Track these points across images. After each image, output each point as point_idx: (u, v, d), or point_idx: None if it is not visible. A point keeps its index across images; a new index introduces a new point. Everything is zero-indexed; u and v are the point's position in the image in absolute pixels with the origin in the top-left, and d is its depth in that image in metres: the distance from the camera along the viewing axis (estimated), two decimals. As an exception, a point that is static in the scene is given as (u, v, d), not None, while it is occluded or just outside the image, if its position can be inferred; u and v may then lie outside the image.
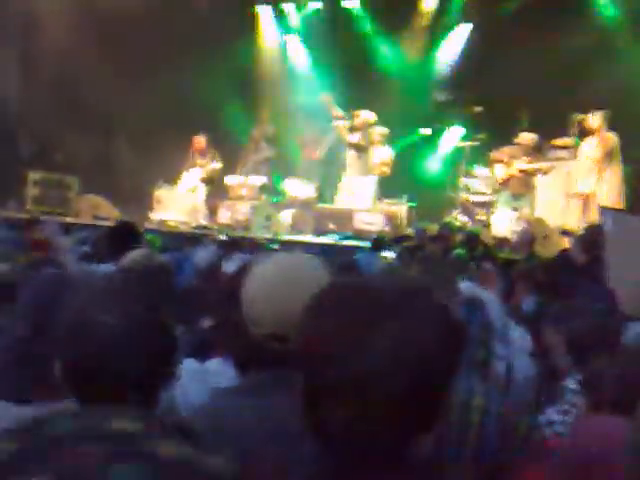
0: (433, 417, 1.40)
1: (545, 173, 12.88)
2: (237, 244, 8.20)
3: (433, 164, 16.49)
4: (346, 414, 1.37)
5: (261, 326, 2.07)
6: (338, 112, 14.65)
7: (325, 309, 1.45)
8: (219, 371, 2.54)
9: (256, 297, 2.09)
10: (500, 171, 13.16)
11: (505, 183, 13.11)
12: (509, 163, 13.01)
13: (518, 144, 13.10)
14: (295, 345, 1.51)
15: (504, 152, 13.24)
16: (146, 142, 15.43)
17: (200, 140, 15.53)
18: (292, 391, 1.95)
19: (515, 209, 12.77)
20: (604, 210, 7.37)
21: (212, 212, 15.28)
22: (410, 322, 1.39)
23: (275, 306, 2.06)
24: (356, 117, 14.19)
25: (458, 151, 15.04)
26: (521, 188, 12.99)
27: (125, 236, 5.34)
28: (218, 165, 15.41)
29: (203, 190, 15.36)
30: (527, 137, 13.11)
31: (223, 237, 8.96)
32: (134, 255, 4.33)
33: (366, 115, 14.20)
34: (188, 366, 2.64)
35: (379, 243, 9.52)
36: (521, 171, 12.95)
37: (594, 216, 11.42)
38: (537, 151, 13.11)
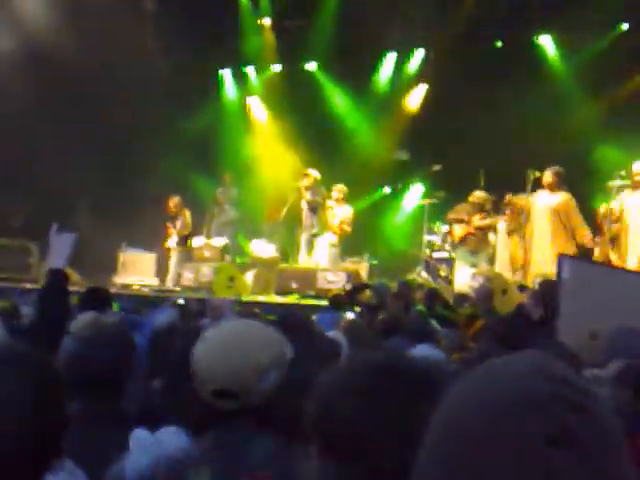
0: None
1: (494, 230, 13.07)
2: (197, 307, 8.21)
3: (395, 222, 16.67)
4: None
5: (207, 383, 2.11)
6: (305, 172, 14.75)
7: (362, 389, 1.41)
8: (171, 440, 2.54)
9: (204, 354, 2.15)
10: (458, 229, 13.33)
11: (462, 240, 13.27)
12: (467, 221, 13.18)
13: (471, 202, 13.30)
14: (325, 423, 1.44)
15: (459, 211, 13.42)
16: (109, 205, 15.46)
17: (173, 200, 15.56)
18: (243, 454, 1.99)
19: (473, 265, 12.91)
20: (562, 258, 7.41)
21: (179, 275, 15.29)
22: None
23: (221, 362, 2.11)
24: (306, 176, 14.33)
25: (419, 208, 15.22)
26: (478, 245, 13.15)
27: (94, 302, 5.37)
28: (184, 226, 15.46)
29: (175, 254, 15.39)
30: (480, 195, 13.32)
31: (181, 301, 8.96)
32: (84, 319, 4.33)
33: (314, 173, 14.36)
34: (138, 436, 2.64)
35: (337, 301, 9.58)
36: (477, 228, 13.12)
37: (549, 271, 11.58)
38: (487, 208, 13.32)
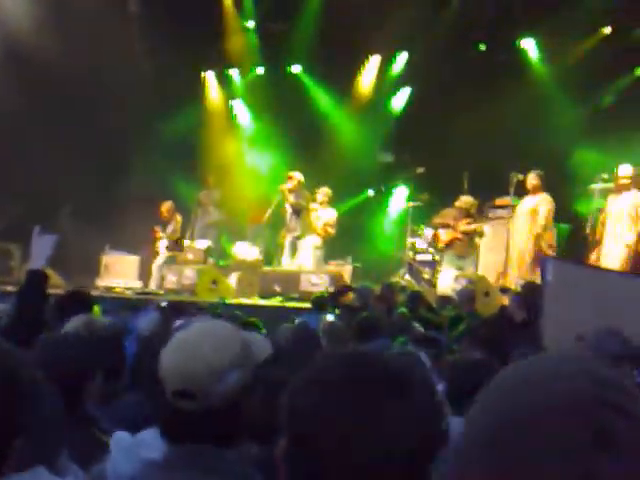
0: None
1: (480, 235, 13.10)
2: (180, 309, 8.17)
3: (378, 224, 16.70)
4: None
5: (168, 383, 2.11)
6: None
7: (330, 386, 1.40)
8: (151, 443, 2.53)
9: (165, 354, 2.15)
10: (443, 234, 13.36)
11: (449, 245, 13.30)
12: (453, 226, 13.21)
13: (458, 207, 13.34)
14: (298, 425, 1.42)
15: (445, 215, 13.46)
16: (93, 208, 15.40)
17: (165, 205, 15.51)
18: (221, 464, 1.97)
19: (460, 268, 12.93)
20: (545, 260, 7.43)
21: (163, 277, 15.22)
22: (414, 400, 1.39)
23: (180, 361, 2.11)
24: (290, 179, 14.33)
25: (403, 211, 15.24)
26: (464, 249, 13.17)
27: (76, 304, 5.34)
28: (173, 230, 15.42)
29: (163, 257, 15.32)
30: (466, 200, 13.35)
31: (164, 303, 8.92)
32: (77, 321, 4.32)
33: (298, 176, 14.35)
34: (119, 438, 2.63)
35: (319, 302, 9.58)
36: (463, 233, 13.15)
37: (532, 273, 11.63)
38: (475, 213, 13.36)
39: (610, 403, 0.98)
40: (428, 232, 14.22)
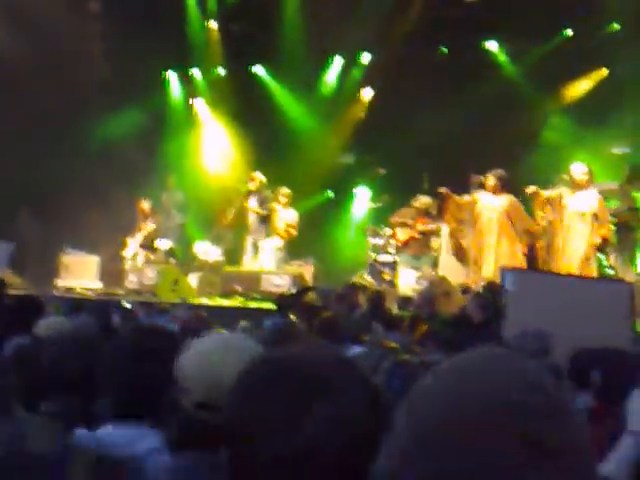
0: None
1: (438, 235, 13.17)
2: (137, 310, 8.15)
3: (340, 225, 16.73)
4: None
5: (190, 393, 2.11)
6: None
7: (255, 386, 1.43)
8: (112, 439, 2.53)
9: (188, 365, 2.15)
10: (401, 233, 13.42)
11: (405, 244, 13.37)
12: (411, 225, 13.28)
13: (415, 207, 13.42)
14: (224, 423, 1.46)
15: (403, 214, 13.53)
16: (52, 208, 15.26)
17: (146, 202, 15.43)
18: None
19: (416, 268, 13.01)
20: (505, 271, 7.49)
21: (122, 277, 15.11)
22: (341, 401, 1.38)
23: (206, 373, 2.12)
24: (252, 180, 14.34)
25: (364, 212, 15.29)
26: (420, 249, 13.26)
27: (28, 310, 5.34)
28: (152, 226, 15.33)
29: (142, 255, 15.21)
30: (423, 200, 13.44)
31: (128, 304, 8.88)
32: (49, 323, 4.33)
33: (260, 177, 14.37)
34: (79, 435, 2.62)
35: (282, 301, 9.58)
36: (420, 233, 13.22)
37: (493, 274, 11.70)
38: (433, 212, 13.45)
39: (536, 407, 0.98)
40: (387, 232, 14.29)
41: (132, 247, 15.27)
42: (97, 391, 3.13)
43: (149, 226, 15.33)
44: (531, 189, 11.75)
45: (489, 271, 11.84)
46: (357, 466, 1.36)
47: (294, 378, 1.40)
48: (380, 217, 14.56)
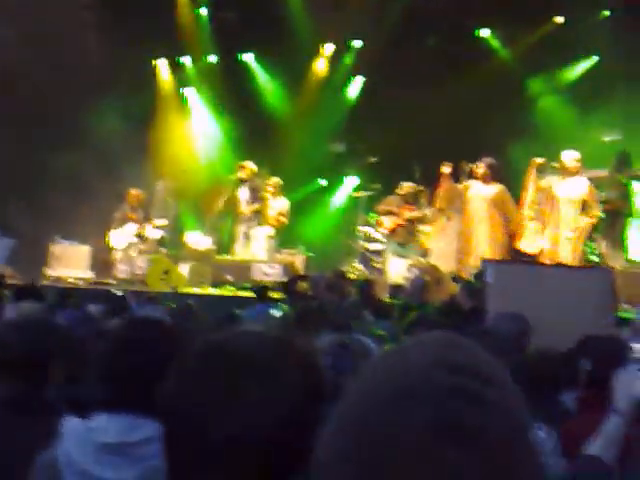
0: (301, 464, 1.38)
1: (430, 222, 13.20)
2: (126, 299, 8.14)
3: (331, 214, 16.73)
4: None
5: None
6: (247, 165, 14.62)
7: (189, 370, 1.45)
8: (104, 427, 2.52)
9: None
10: (387, 221, 13.45)
11: (392, 232, 13.39)
12: (397, 213, 13.30)
13: (400, 194, 13.45)
14: (161, 403, 1.48)
15: (389, 203, 13.55)
16: (43, 198, 15.23)
17: (137, 193, 15.40)
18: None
19: (401, 256, 13.04)
20: (486, 262, 7.53)
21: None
22: (274, 382, 1.39)
23: None
24: (243, 169, 14.31)
25: (355, 200, 15.25)
26: (407, 237, 13.28)
27: (27, 297, 5.38)
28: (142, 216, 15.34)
29: (138, 245, 15.17)
30: (407, 187, 13.47)
31: (119, 292, 8.89)
32: (24, 308, 4.32)
33: (250, 165, 14.35)
34: (70, 423, 2.61)
35: (262, 293, 9.60)
36: (407, 220, 13.24)
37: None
38: (422, 200, 13.47)
39: (465, 392, 0.95)
40: (376, 221, 14.30)
41: (124, 237, 15.23)
42: (46, 377, 3.15)
43: (140, 216, 15.30)
44: (539, 160, 11.73)
45: (477, 260, 11.87)
46: (291, 449, 1.37)
47: (228, 360, 1.41)
48: (371, 206, 14.55)
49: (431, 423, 0.93)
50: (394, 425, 0.94)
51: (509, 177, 12.55)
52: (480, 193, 12.27)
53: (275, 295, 10.23)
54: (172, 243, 15.49)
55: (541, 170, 11.76)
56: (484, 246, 12.06)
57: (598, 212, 11.42)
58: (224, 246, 14.95)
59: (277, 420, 1.37)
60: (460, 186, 12.50)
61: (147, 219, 15.35)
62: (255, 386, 1.38)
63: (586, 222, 11.43)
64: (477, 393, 0.96)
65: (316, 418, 1.39)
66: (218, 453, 1.35)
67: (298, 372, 1.44)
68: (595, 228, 11.50)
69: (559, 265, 10.05)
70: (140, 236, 15.18)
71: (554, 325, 5.08)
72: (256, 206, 14.25)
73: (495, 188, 12.25)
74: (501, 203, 12.21)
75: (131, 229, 15.21)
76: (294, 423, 1.38)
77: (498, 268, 6.89)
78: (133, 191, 15.41)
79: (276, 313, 7.42)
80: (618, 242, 11.40)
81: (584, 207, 11.42)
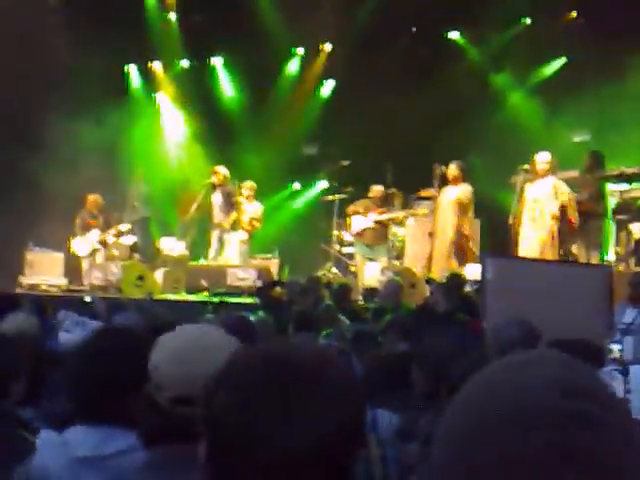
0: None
1: (399, 223, 13.27)
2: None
3: (305, 218, 16.73)
4: None
5: (166, 389, 2.11)
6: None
7: (240, 379, 1.38)
8: (79, 441, 2.52)
9: (162, 361, 2.15)
10: (355, 223, 13.50)
11: (360, 235, 13.44)
12: (364, 215, 13.35)
13: (370, 197, 13.52)
14: (206, 418, 1.41)
15: (359, 205, 13.61)
16: (16, 205, 15.14)
17: (95, 198, 15.32)
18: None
19: (370, 258, 13.10)
20: (484, 257, 7.44)
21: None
22: (329, 396, 1.35)
23: (180, 368, 2.12)
24: (215, 174, 14.31)
25: (329, 204, 15.24)
26: (375, 239, 13.35)
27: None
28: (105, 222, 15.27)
29: (101, 252, 15.10)
30: (377, 189, 13.55)
31: (89, 299, 8.85)
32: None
33: (222, 170, 14.35)
34: (45, 437, 2.62)
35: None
36: (376, 222, 13.29)
37: (455, 265, 11.79)
38: (388, 202, 13.55)
39: (582, 416, 0.94)
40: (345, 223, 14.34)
41: (86, 244, 15.15)
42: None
43: (100, 222, 15.22)
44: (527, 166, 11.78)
45: (449, 263, 11.95)
46: (345, 461, 1.36)
47: (283, 371, 1.36)
48: (345, 209, 14.56)
49: (547, 448, 0.92)
50: (505, 450, 0.93)
51: (479, 179, 12.62)
52: (447, 197, 12.35)
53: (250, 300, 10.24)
54: (143, 249, 15.42)
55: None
56: (446, 250, 12.14)
57: (570, 195, 11.36)
58: (196, 251, 14.91)
59: (338, 435, 1.33)
60: (432, 193, 12.59)
61: (109, 225, 15.26)
62: (319, 400, 1.34)
63: (557, 207, 11.38)
64: (595, 417, 0.94)
65: (362, 429, 1.41)
66: (270, 470, 1.31)
67: (348, 382, 1.42)
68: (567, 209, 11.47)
69: (557, 261, 10.08)
70: (103, 242, 15.10)
71: (550, 322, 5.05)
72: (233, 215, 14.22)
73: (460, 189, 12.30)
74: (462, 205, 12.28)
75: (93, 236, 15.13)
76: (348, 435, 1.36)
77: (496, 263, 6.83)
78: (91, 196, 15.31)
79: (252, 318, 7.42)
80: (592, 243, 11.44)
81: (553, 201, 11.39)
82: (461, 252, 12.18)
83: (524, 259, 10.13)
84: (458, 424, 0.99)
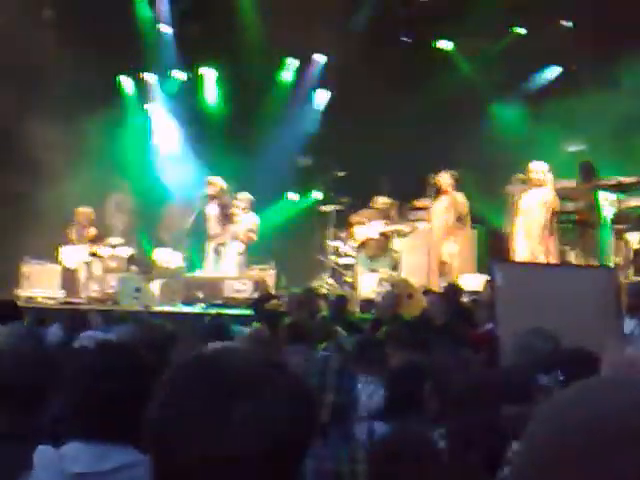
0: None
1: (404, 236, 13.25)
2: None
3: (301, 228, 16.70)
4: None
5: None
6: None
7: (181, 386, 1.41)
8: (76, 457, 2.52)
9: None
10: (359, 233, 13.49)
11: (363, 245, 13.44)
12: (368, 226, 13.35)
13: (375, 208, 13.50)
14: (148, 423, 1.43)
15: (363, 215, 13.60)
16: (10, 217, 15.13)
17: (85, 211, 15.29)
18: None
19: (373, 271, 13.08)
20: (494, 264, 7.41)
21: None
22: (266, 400, 1.36)
23: None
24: (211, 185, 14.31)
25: (324, 215, 15.22)
26: (378, 250, 13.34)
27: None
28: (93, 233, 15.22)
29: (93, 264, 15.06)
30: (382, 201, 13.53)
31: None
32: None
33: (218, 182, 14.34)
34: (42, 453, 2.61)
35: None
36: (380, 234, 13.28)
37: (452, 276, 11.79)
38: (392, 214, 13.54)
39: None
40: (346, 234, 14.32)
41: (76, 256, 15.09)
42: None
43: (90, 234, 15.19)
44: (522, 176, 11.79)
45: (448, 273, 11.97)
46: (281, 467, 1.36)
47: (218, 377, 1.38)
48: (341, 220, 14.55)
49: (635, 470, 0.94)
50: (622, 468, 0.95)
51: (473, 189, 12.64)
52: (440, 206, 12.36)
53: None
54: (140, 260, 15.38)
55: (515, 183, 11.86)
56: (452, 259, 12.15)
57: (557, 201, 11.38)
58: (192, 263, 14.87)
59: (269, 437, 1.34)
60: (427, 204, 12.61)
61: (100, 237, 15.23)
62: (247, 402, 1.35)
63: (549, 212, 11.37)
64: None
65: (304, 437, 1.41)
66: (209, 474, 1.33)
67: (288, 389, 1.42)
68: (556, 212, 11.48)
69: (565, 265, 10.06)
70: (94, 255, 15.05)
71: (563, 326, 5.00)
72: (230, 228, 14.22)
73: (450, 198, 12.31)
74: (456, 213, 12.30)
75: (84, 248, 15.09)
76: (284, 441, 1.36)
77: (507, 269, 6.79)
78: (81, 209, 15.28)
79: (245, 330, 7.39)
80: (589, 252, 11.46)
81: (544, 207, 11.41)
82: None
83: (533, 264, 10.10)
84: (566, 446, 0.99)
